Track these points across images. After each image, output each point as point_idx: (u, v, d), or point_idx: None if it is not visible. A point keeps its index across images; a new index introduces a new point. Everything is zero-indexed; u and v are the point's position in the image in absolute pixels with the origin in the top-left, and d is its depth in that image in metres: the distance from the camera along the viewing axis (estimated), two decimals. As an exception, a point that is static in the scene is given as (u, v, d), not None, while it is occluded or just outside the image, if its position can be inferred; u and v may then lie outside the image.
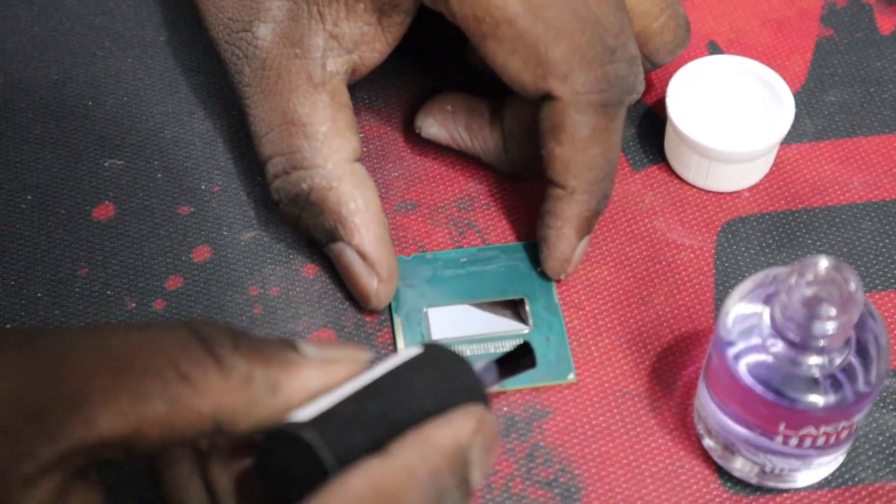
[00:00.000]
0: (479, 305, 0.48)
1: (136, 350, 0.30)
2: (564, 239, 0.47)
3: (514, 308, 0.48)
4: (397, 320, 0.47)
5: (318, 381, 0.32)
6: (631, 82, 0.45)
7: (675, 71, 0.51)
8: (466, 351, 0.46)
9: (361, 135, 0.53)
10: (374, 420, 0.32)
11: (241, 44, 0.47)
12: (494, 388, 0.38)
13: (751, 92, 0.51)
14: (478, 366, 0.36)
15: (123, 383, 0.29)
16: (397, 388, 0.33)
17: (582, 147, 0.45)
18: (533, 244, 0.49)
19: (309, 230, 0.47)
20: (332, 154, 0.46)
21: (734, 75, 0.51)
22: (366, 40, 0.47)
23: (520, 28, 0.43)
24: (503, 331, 0.47)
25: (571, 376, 0.46)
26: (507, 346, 0.46)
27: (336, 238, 0.46)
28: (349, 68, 0.47)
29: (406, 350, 0.35)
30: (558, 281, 0.48)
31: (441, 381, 0.34)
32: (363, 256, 0.46)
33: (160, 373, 0.30)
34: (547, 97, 0.44)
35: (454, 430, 0.31)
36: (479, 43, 0.44)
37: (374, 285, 0.46)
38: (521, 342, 0.38)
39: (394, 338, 0.47)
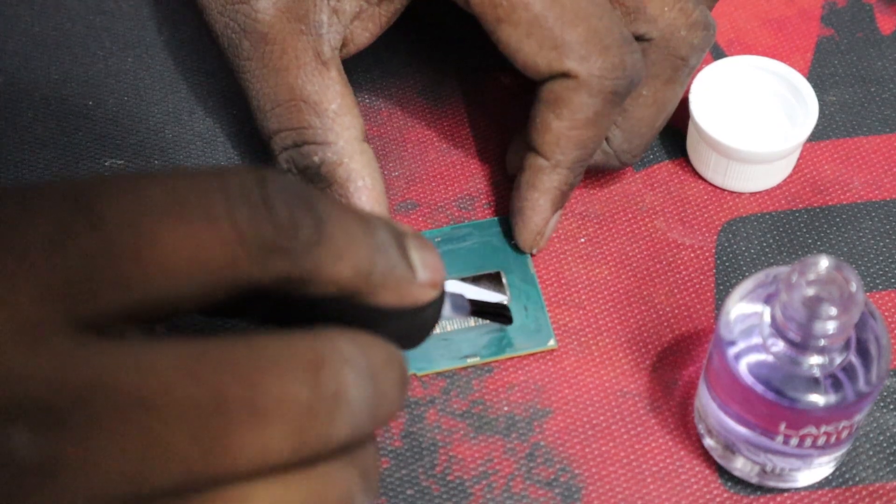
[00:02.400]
0: (457, 281, 0.48)
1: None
2: (540, 211, 0.47)
3: (491, 282, 0.48)
4: None
5: None
6: (642, 75, 0.45)
7: (696, 72, 0.51)
8: (447, 327, 0.47)
9: (362, 135, 0.53)
10: None
11: (238, 17, 0.47)
12: (462, 317, 0.41)
13: (775, 94, 0.51)
14: (452, 293, 0.37)
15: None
16: None
17: (580, 126, 0.45)
18: (505, 219, 0.50)
19: None
20: (344, 132, 0.46)
21: (759, 76, 0.51)
22: (361, 17, 0.47)
23: (536, 11, 0.44)
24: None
25: (552, 342, 0.46)
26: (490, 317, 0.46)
27: None
28: (342, 43, 0.47)
29: None
30: (532, 255, 0.49)
31: None
32: None
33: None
34: (559, 75, 0.45)
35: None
36: (492, 28, 0.45)
37: None
38: (503, 304, 0.42)
39: None
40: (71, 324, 0.25)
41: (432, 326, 0.34)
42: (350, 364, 0.27)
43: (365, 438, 0.29)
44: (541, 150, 0.46)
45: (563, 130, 0.45)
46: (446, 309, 0.40)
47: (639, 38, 0.46)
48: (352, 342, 0.28)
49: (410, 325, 0.33)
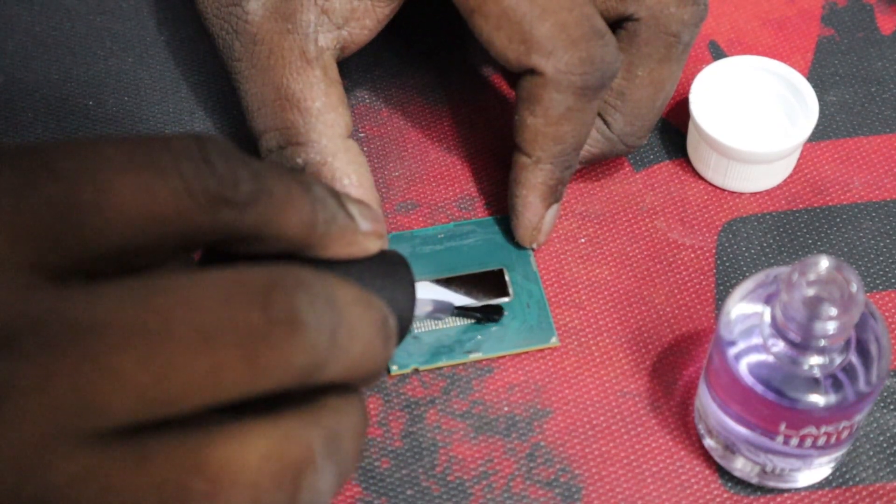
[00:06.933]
0: (460, 278, 0.48)
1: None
2: (531, 207, 0.48)
3: (494, 279, 0.48)
4: None
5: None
6: (616, 67, 0.45)
7: (696, 72, 0.51)
8: (449, 322, 0.47)
9: (362, 135, 0.53)
10: None
11: (231, 18, 0.47)
12: (446, 314, 0.45)
13: (775, 94, 0.51)
14: (436, 300, 0.42)
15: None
16: (349, 269, 0.33)
17: (554, 123, 0.45)
18: (507, 217, 0.50)
19: None
20: (327, 130, 0.46)
21: (759, 76, 0.51)
22: (355, 16, 0.47)
23: (506, 4, 0.44)
24: (485, 301, 0.48)
25: (554, 340, 0.47)
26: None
27: None
28: (339, 44, 0.47)
29: None
30: (533, 250, 0.49)
31: (385, 284, 0.34)
32: None
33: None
34: (529, 71, 0.45)
35: None
36: (467, 18, 0.45)
37: None
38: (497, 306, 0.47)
39: None
40: (35, 267, 0.26)
41: (410, 299, 0.35)
42: (304, 288, 0.28)
43: (332, 376, 0.28)
44: (522, 147, 0.47)
45: (538, 127, 0.45)
46: (429, 306, 0.43)
47: (628, 19, 0.46)
48: (310, 272, 0.28)
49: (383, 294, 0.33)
